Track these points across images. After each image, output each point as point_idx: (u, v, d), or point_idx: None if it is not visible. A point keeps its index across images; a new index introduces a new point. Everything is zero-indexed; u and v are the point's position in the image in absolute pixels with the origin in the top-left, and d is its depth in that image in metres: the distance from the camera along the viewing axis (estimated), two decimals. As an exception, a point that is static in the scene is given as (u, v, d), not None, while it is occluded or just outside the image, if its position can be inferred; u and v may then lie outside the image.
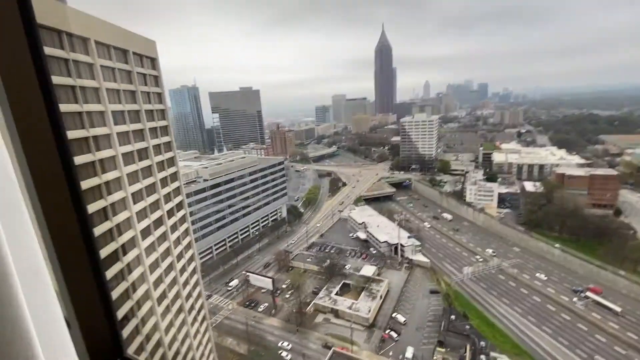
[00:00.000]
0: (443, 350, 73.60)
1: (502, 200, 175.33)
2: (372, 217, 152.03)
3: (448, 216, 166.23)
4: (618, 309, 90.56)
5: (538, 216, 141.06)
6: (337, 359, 66.04)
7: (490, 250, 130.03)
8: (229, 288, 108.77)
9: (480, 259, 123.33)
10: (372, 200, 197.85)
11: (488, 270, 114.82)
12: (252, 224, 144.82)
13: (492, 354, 72.91)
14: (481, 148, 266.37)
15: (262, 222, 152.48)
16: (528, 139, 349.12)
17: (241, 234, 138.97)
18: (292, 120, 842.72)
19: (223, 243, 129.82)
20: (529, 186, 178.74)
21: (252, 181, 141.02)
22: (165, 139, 51.35)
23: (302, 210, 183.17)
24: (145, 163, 45.31)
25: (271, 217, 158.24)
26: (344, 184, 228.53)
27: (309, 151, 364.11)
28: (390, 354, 75.98)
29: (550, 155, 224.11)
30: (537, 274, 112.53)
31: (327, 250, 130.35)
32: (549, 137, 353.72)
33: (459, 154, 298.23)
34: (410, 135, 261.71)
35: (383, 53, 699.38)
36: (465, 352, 72.13)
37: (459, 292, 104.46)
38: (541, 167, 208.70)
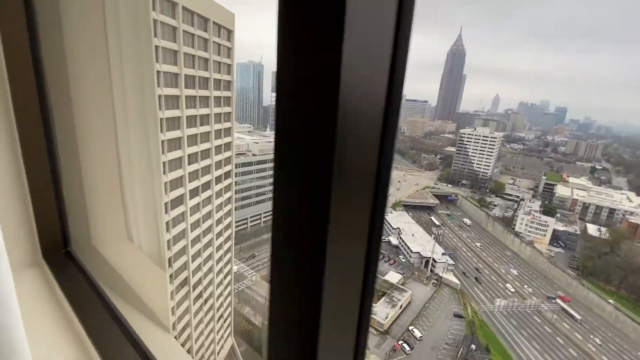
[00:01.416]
0: (456, 377, 70.60)
1: (556, 238, 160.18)
2: (407, 224, 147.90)
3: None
4: None
5: (595, 264, 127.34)
6: (345, 356, 66.23)
7: (530, 289, 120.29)
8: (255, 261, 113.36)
9: (517, 295, 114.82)
10: (411, 208, 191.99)
11: (523, 308, 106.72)
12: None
13: (509, 396, 68.38)
14: (544, 177, 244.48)
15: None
16: (602, 177, 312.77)
17: (265, 217, 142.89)
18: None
19: (258, 217, 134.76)
20: (593, 229, 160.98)
21: (271, 168, 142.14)
22: (227, 109, 53.92)
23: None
24: (205, 128, 48.09)
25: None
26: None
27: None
28: (399, 365, 74.71)
29: (626, 200, 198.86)
30: (579, 326, 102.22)
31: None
32: (629, 180, 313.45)
33: (517, 178, 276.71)
34: (467, 148, 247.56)
35: (455, 57, 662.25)
36: (480, 386, 68.48)
37: (486, 322, 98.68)
38: (612, 211, 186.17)
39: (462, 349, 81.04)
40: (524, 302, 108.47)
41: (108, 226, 4.17)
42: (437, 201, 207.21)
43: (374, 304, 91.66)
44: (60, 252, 3.66)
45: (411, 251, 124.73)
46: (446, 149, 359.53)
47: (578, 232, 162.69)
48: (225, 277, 58.74)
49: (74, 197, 3.84)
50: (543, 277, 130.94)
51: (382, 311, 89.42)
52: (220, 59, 50.31)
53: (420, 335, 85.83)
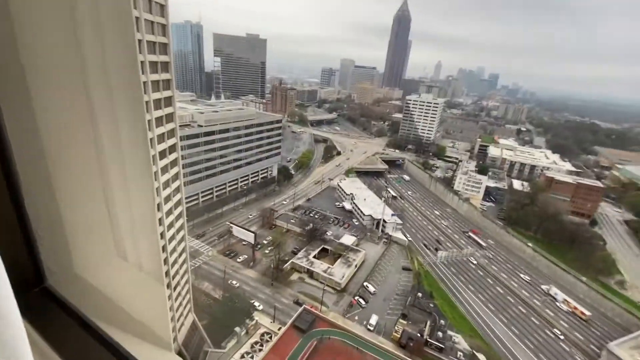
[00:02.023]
0: (405, 322, 78.57)
1: (489, 194, 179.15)
2: (360, 190, 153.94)
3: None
4: (588, 313, 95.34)
5: (519, 214, 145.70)
6: (306, 316, 69.86)
7: (463, 240, 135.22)
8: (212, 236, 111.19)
9: (455, 246, 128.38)
10: (363, 174, 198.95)
11: (461, 257, 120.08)
12: (241, 178, 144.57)
13: (449, 332, 78.45)
14: (479, 139, 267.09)
15: (252, 178, 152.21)
16: (526, 137, 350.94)
17: (229, 186, 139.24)
18: (295, 78, 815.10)
19: (210, 192, 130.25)
20: (517, 184, 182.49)
21: (247, 135, 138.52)
22: (165, 75, 48.99)
23: (293, 172, 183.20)
24: (144, 98, 43.67)
25: (261, 174, 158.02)
26: (339, 153, 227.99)
27: (309, 114, 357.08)
28: (356, 318, 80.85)
29: (544, 158, 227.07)
30: (505, 267, 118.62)
31: (311, 215, 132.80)
32: (547, 139, 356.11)
33: (456, 141, 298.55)
34: (413, 114, 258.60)
35: (401, 22, 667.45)
36: (425, 326, 77.30)
37: (430, 272, 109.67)
38: (532, 167, 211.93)
39: (410, 297, 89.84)
40: (461, 252, 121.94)
41: (93, 247, 3.36)
42: (386, 166, 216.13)
43: (331, 266, 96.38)
44: (34, 290, 2.87)
45: (364, 214, 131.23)
46: (394, 115, 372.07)
47: (506, 188, 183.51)
48: (179, 255, 56.98)
49: (45, 217, 2.97)
50: (477, 229, 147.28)
51: (339, 272, 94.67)
52: (153, 18, 44.90)
53: (374, 289, 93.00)
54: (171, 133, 52.09)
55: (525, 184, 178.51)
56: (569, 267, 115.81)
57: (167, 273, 51.94)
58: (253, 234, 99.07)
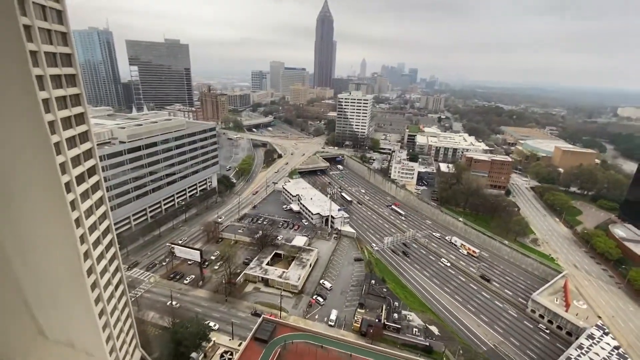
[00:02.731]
0: (363, 311, 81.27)
1: (421, 179, 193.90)
2: (305, 189, 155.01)
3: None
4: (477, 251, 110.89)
5: (448, 194, 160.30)
6: (266, 325, 68.09)
7: (405, 224, 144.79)
8: (150, 261, 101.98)
9: (399, 230, 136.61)
10: (306, 174, 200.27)
11: (405, 240, 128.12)
12: (177, 193, 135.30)
13: (404, 311, 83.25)
14: (407, 129, 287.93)
15: (190, 192, 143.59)
16: (446, 124, 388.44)
17: (165, 204, 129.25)
18: (225, 83, 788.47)
19: (143, 213, 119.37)
20: (444, 167, 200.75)
21: (178, 147, 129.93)
22: (73, 90, 42.92)
23: (234, 180, 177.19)
24: (47, 118, 37.78)
25: (200, 186, 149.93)
26: (280, 156, 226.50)
27: (244, 119, 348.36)
28: (316, 317, 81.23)
29: (463, 141, 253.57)
30: (443, 243, 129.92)
31: (259, 222, 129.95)
32: (463, 124, 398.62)
33: (388, 133, 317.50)
34: (346, 111, 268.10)
35: (325, 23, 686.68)
36: (382, 311, 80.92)
37: (379, 259, 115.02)
38: (454, 150, 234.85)
39: (364, 286, 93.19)
40: (404, 235, 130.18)
41: (5, 328, 2.20)
42: (328, 164, 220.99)
43: (285, 270, 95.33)
44: None
45: (312, 213, 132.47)
46: (329, 114, 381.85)
47: (435, 171, 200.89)
48: (115, 288, 51.02)
49: None
50: (415, 212, 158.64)
51: (294, 274, 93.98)
52: (50, 26, 39.13)
53: (330, 285, 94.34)
54: (88, 154, 46.14)
55: (451, 166, 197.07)
56: (493, 233, 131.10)
57: (102, 310, 46.17)
58: (198, 251, 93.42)
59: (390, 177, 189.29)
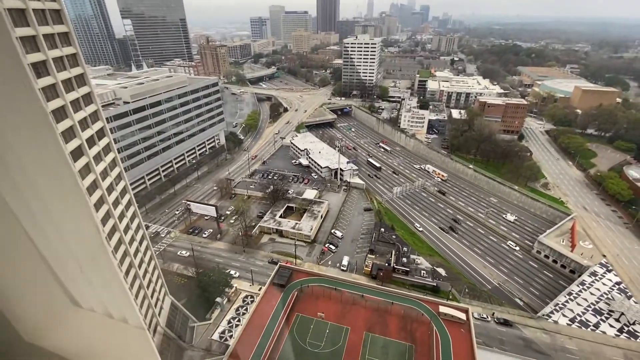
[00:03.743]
0: (373, 256, 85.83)
1: (432, 127, 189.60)
2: (313, 143, 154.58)
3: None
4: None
5: (459, 141, 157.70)
6: (283, 272, 73.14)
7: (415, 174, 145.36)
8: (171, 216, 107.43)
9: (408, 180, 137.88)
10: (313, 127, 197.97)
11: (414, 189, 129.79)
12: (187, 151, 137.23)
13: (412, 256, 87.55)
14: (417, 75, 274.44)
15: (199, 150, 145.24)
16: (460, 67, 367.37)
17: (177, 163, 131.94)
18: (224, 33, 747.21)
19: (156, 172, 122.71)
20: (455, 113, 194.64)
21: (182, 105, 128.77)
22: (69, 49, 41.64)
23: (241, 137, 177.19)
24: (46, 81, 37.46)
25: (209, 144, 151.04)
26: (285, 110, 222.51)
27: (246, 72, 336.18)
28: (329, 263, 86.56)
29: (476, 84, 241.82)
30: (451, 191, 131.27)
31: (270, 177, 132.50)
32: (477, 66, 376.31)
33: (397, 80, 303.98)
34: (353, 58, 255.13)
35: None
36: (391, 256, 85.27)
37: (389, 208, 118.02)
38: (467, 95, 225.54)
39: (374, 234, 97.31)
40: (413, 185, 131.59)
41: (38, 302, 2.72)
42: (335, 116, 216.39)
43: (298, 222, 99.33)
44: None
45: (321, 167, 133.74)
46: (334, 61, 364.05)
47: (446, 118, 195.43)
48: (140, 243, 54.70)
49: None
50: (425, 161, 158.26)
51: (306, 225, 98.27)
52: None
53: (341, 234, 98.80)
54: (94, 116, 46.40)
55: (463, 112, 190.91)
56: (503, 179, 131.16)
57: (130, 264, 50.17)
58: (214, 207, 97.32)
59: (399, 126, 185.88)
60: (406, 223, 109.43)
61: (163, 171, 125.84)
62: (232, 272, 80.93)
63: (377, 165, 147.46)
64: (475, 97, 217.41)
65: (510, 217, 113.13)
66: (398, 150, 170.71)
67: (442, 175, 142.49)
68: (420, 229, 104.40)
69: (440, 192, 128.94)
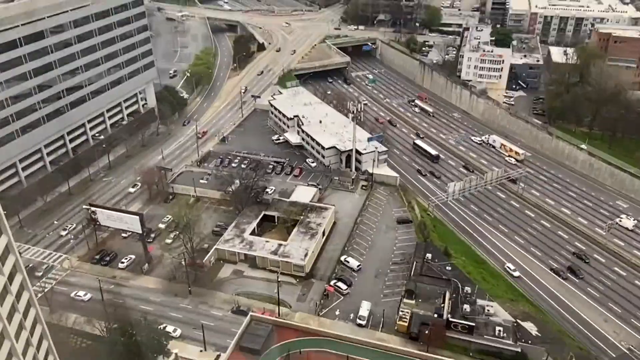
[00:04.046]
0: (413, 302, 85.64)
1: (515, 77, 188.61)
2: (310, 107, 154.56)
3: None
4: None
5: (564, 102, 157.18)
6: (257, 329, 73.49)
7: (484, 160, 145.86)
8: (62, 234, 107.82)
9: (473, 171, 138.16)
10: (309, 78, 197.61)
11: (484, 186, 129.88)
12: (90, 121, 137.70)
13: (480, 301, 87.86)
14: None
15: (112, 118, 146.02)
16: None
17: (72, 141, 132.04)
18: None
19: (37, 157, 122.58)
20: (558, 54, 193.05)
21: (81, 38, 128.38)
22: None
23: (184, 94, 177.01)
24: None
25: (127, 107, 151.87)
26: (261, 47, 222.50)
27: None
28: (337, 313, 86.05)
29: (594, 3, 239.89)
30: (549, 189, 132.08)
31: (234, 165, 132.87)
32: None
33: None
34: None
35: None
36: (443, 302, 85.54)
37: (440, 219, 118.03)
38: (578, 22, 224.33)
39: (415, 263, 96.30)
40: (482, 178, 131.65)
41: None
42: (347, 58, 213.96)
43: (283, 242, 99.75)
44: None
45: (323, 147, 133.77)
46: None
47: (540, 62, 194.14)
48: (10, 280, 54.93)
49: None
50: (504, 137, 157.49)
51: (297, 249, 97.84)
52: None
53: (358, 263, 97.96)
54: None
55: (570, 51, 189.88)
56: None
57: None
58: (137, 216, 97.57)
59: (459, 76, 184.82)
60: (471, 244, 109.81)
61: (49, 155, 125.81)
62: (170, 328, 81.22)
63: (433, 152, 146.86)
64: (593, 25, 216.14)
65: None
66: (456, 120, 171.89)
67: (517, 154, 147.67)
68: (516, 274, 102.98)
69: (511, 180, 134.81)
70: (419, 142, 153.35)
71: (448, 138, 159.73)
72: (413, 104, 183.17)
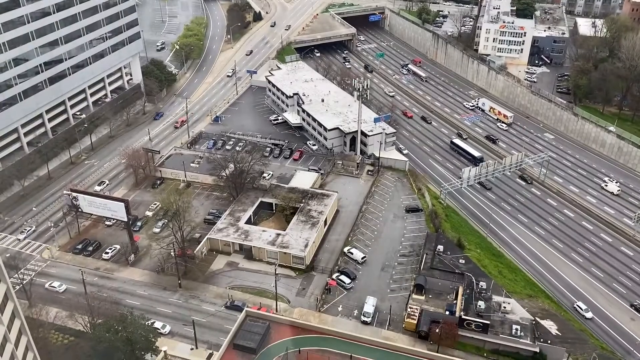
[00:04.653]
0: (422, 297, 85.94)
1: (538, 51, 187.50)
2: (310, 83, 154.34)
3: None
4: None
5: (591, 79, 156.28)
6: (252, 326, 73.83)
7: (504, 145, 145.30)
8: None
9: (493, 156, 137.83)
10: (311, 51, 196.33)
11: (501, 171, 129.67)
12: (71, 98, 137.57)
13: (496, 297, 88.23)
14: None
15: (94, 95, 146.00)
16: None
17: (51, 120, 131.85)
18: None
19: (14, 137, 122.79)
20: (585, 25, 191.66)
21: (60, 7, 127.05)
22: None
23: (173, 69, 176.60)
24: None
25: (111, 83, 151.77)
26: (258, 16, 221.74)
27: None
28: (340, 309, 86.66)
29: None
30: (574, 174, 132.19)
31: (228, 147, 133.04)
32: None
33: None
34: None
35: None
36: (456, 298, 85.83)
37: (453, 207, 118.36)
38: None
39: (425, 255, 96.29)
40: (500, 163, 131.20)
41: None
42: (352, 29, 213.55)
43: (281, 231, 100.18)
44: None
45: (325, 129, 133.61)
46: None
47: (566, 36, 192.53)
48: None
49: None
50: (524, 118, 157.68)
51: (297, 239, 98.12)
52: None
53: (363, 255, 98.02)
54: None
55: (599, 22, 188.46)
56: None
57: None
58: (122, 203, 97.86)
59: (476, 50, 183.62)
60: (487, 235, 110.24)
61: (26, 135, 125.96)
62: (158, 324, 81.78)
63: (477, 154, 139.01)
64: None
65: None
66: (473, 98, 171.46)
67: (505, 117, 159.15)
68: (589, 316, 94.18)
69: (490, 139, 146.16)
70: (458, 141, 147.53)
71: (463, 118, 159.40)
72: (406, 69, 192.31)
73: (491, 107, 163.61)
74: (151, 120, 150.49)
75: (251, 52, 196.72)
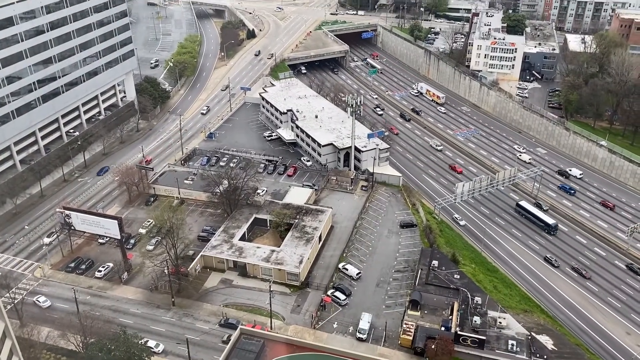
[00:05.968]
0: (418, 313, 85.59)
1: (529, 67, 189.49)
2: (304, 100, 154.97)
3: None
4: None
5: (582, 94, 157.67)
6: (247, 343, 73.26)
7: (496, 157, 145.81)
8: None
9: (485, 170, 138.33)
10: (305, 67, 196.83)
11: (495, 185, 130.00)
12: (64, 116, 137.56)
13: (491, 312, 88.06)
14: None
15: (87, 113, 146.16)
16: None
17: (44, 138, 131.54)
18: None
19: (7, 155, 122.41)
20: (575, 41, 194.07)
21: (54, 25, 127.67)
22: None
23: (167, 86, 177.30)
24: None
25: (104, 101, 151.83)
26: (251, 34, 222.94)
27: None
28: (335, 326, 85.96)
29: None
30: (569, 188, 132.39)
31: (222, 163, 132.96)
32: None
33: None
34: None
35: None
36: (451, 313, 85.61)
37: (447, 222, 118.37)
38: (598, 6, 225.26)
39: (420, 270, 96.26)
40: (494, 178, 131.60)
41: None
42: (345, 46, 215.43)
43: (276, 248, 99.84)
44: None
45: (319, 144, 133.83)
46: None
47: (556, 51, 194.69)
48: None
49: None
50: (516, 134, 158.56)
51: (292, 255, 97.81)
52: None
53: (358, 271, 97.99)
54: None
55: (588, 38, 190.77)
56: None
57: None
58: (115, 220, 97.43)
59: (467, 66, 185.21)
60: (481, 250, 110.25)
61: (19, 153, 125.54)
62: (152, 343, 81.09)
63: (551, 222, 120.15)
64: (613, 10, 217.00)
65: None
66: (465, 113, 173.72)
67: (438, 97, 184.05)
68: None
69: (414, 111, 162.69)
70: (526, 204, 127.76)
71: (457, 134, 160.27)
72: (366, 62, 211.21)
73: (427, 90, 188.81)
74: (146, 137, 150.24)
75: (256, 58, 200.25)
